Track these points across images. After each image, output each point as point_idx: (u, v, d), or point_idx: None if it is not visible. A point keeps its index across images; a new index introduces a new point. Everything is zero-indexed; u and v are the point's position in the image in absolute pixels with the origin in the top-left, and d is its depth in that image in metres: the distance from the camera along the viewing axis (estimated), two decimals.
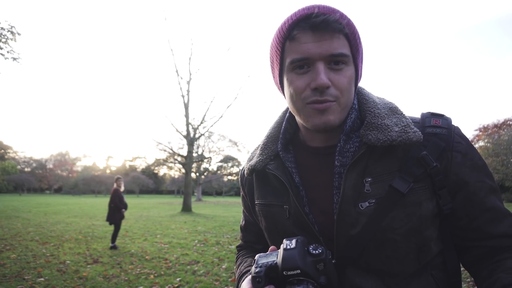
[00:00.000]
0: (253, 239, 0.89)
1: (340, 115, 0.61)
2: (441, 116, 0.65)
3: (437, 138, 0.61)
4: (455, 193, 0.61)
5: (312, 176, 0.69)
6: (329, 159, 0.66)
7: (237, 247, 0.95)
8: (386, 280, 0.61)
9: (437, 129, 0.62)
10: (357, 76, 0.64)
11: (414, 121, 0.65)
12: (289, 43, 0.62)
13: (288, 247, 0.54)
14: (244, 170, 0.85)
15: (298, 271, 0.52)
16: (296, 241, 0.55)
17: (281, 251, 0.55)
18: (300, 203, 0.66)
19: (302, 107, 0.62)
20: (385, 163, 0.61)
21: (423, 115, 0.66)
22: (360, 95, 0.69)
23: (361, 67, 0.65)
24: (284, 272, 0.52)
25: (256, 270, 0.54)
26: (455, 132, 0.63)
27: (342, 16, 0.60)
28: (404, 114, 0.65)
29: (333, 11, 0.59)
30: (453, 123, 0.65)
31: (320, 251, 0.54)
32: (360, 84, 0.71)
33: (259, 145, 0.79)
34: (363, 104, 0.67)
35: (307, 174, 0.70)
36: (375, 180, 0.61)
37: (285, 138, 0.74)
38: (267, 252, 0.60)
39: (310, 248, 0.54)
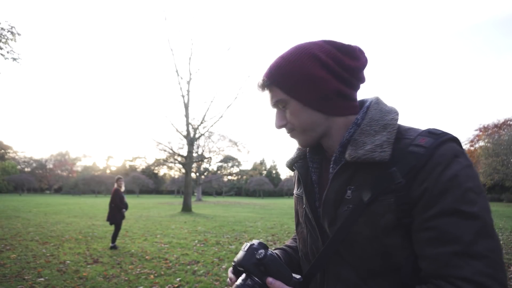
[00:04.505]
0: None
1: (305, 137, 0.74)
2: (433, 134, 0.64)
3: (412, 156, 0.62)
4: (413, 207, 0.61)
5: (325, 177, 0.79)
6: None
7: None
8: (360, 273, 0.67)
9: (416, 148, 0.63)
10: (321, 97, 0.69)
11: (409, 137, 0.66)
12: None
13: (243, 249, 0.69)
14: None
15: (242, 269, 0.68)
16: (250, 246, 0.69)
17: (240, 250, 0.71)
18: (309, 198, 0.78)
19: None
20: (367, 174, 0.66)
21: (420, 132, 0.66)
22: (369, 109, 0.73)
23: (310, 88, 0.69)
24: (238, 267, 0.70)
25: (232, 264, 0.72)
26: (439, 153, 0.61)
27: (267, 74, 0.72)
28: (393, 131, 0.66)
29: (265, 73, 0.73)
30: (446, 144, 0.62)
31: (262, 256, 0.65)
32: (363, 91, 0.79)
33: None
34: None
35: (323, 175, 0.80)
36: (356, 188, 0.67)
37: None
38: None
39: (256, 253, 0.67)
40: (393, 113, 0.71)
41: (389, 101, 0.77)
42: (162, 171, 72.94)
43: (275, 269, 0.66)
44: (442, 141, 0.62)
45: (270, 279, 0.65)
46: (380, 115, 0.70)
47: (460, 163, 0.60)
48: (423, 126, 0.69)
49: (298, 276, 0.69)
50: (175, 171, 50.58)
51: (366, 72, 0.76)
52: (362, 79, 0.73)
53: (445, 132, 0.64)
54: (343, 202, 0.68)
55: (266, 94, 0.75)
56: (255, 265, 0.66)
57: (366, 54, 0.74)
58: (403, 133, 0.67)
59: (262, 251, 0.67)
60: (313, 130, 0.73)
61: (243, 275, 0.68)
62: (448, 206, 0.57)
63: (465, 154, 0.62)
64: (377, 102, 0.74)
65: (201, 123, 19.86)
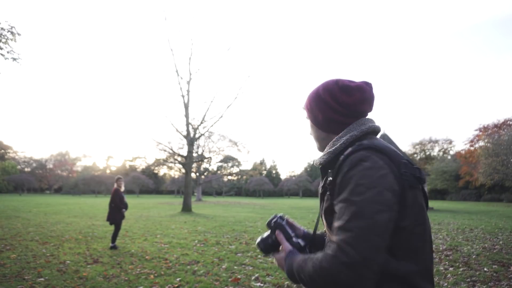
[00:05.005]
0: None
1: (317, 144, 1.11)
2: (355, 146, 0.90)
3: (338, 162, 0.90)
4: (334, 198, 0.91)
5: None
6: None
7: None
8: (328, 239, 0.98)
9: (342, 156, 0.90)
10: (321, 120, 1.04)
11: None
12: None
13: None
14: None
15: (267, 227, 1.10)
16: (274, 215, 1.10)
17: None
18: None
19: None
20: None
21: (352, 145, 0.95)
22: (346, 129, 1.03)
23: (316, 114, 1.05)
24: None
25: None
26: (349, 159, 0.86)
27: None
28: (341, 144, 0.95)
29: None
30: (357, 152, 0.86)
31: (273, 220, 1.08)
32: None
33: None
34: None
35: None
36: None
37: None
38: None
39: (273, 219, 1.08)
40: (356, 130, 0.96)
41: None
42: (162, 171, 72.91)
43: (280, 229, 1.06)
44: (355, 150, 0.87)
45: (277, 231, 1.05)
46: (346, 133, 0.97)
47: (362, 165, 0.83)
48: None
49: (300, 240, 1.03)
50: (175, 171, 50.56)
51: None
52: (358, 110, 0.99)
53: (363, 144, 0.89)
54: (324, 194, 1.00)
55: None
56: (271, 226, 1.07)
57: (364, 90, 0.98)
58: (351, 146, 0.93)
59: (275, 219, 1.08)
60: (319, 140, 1.09)
61: (268, 231, 1.09)
62: (344, 196, 0.83)
63: (373, 158, 0.83)
64: (356, 123, 0.99)
65: (201, 123, 19.85)
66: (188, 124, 19.43)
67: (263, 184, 64.14)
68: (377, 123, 1.01)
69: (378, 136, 1.02)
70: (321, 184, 1.02)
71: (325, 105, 1.00)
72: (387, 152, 0.86)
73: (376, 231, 0.76)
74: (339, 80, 1.01)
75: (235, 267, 5.20)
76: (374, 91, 1.03)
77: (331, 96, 0.99)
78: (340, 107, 0.98)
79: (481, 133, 39.71)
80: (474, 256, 6.04)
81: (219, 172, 65.21)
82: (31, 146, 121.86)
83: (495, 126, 39.13)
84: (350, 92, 0.97)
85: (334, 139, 0.98)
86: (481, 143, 36.23)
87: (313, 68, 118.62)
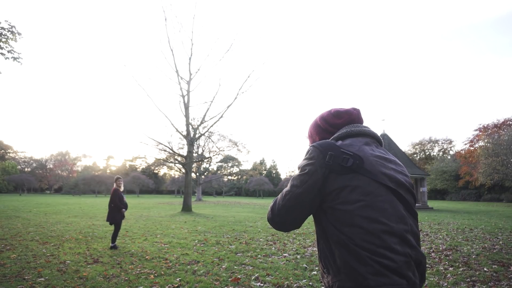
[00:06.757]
0: None
1: None
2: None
3: None
4: None
5: None
6: None
7: None
8: None
9: None
10: (318, 141, 1.32)
11: None
12: None
13: None
14: None
15: None
16: None
17: None
18: None
19: None
20: None
21: None
22: None
23: (314, 137, 1.35)
24: None
25: None
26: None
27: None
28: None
29: None
30: (308, 148, 1.16)
31: None
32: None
33: None
34: None
35: None
36: None
37: None
38: None
39: None
40: (337, 133, 1.23)
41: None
42: (162, 171, 73.08)
43: None
44: (310, 146, 1.16)
45: None
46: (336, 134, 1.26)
47: (304, 156, 1.16)
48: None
49: None
50: (175, 171, 50.56)
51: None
52: (347, 125, 1.25)
53: (314, 143, 1.15)
54: None
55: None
56: None
57: (351, 113, 1.26)
58: None
59: None
60: None
61: None
62: (289, 181, 1.18)
63: (307, 156, 1.12)
64: (342, 129, 1.24)
65: (201, 123, 19.85)
66: (188, 124, 19.43)
67: (263, 184, 64.15)
68: (356, 128, 1.21)
69: (379, 135, 1.16)
70: None
71: (321, 129, 1.30)
72: (321, 147, 1.10)
73: (283, 199, 1.15)
74: (332, 108, 1.30)
75: (235, 267, 5.21)
76: (362, 115, 1.29)
77: (326, 122, 1.28)
78: (331, 128, 1.27)
79: (481, 133, 39.69)
80: (474, 256, 6.05)
81: (219, 172, 65.23)
82: (31, 146, 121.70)
83: (495, 126, 39.13)
84: (340, 116, 1.26)
85: None
86: (481, 143, 36.23)
87: (313, 68, 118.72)
